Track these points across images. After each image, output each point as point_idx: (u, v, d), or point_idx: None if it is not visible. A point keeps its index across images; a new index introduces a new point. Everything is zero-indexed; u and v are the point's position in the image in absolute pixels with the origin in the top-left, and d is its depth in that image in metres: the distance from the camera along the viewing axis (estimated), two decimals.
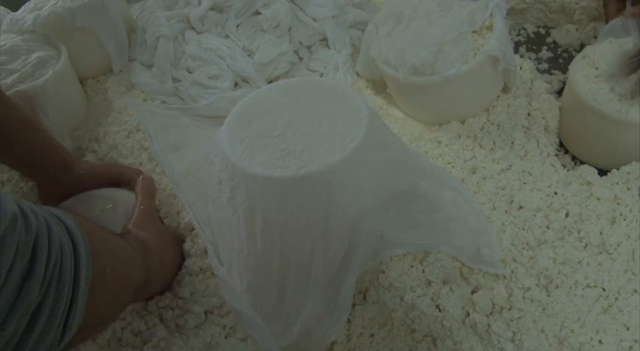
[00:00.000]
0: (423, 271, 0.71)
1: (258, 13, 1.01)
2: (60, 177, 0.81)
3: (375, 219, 0.70)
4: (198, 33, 1.03)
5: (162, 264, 0.73)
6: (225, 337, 0.69)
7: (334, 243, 0.67)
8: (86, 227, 0.55)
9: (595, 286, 0.68)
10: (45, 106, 0.88)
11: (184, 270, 0.76)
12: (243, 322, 0.70)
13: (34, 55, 0.90)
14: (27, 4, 1.01)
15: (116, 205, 0.79)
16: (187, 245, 0.78)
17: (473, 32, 0.85)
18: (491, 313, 0.67)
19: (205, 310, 0.72)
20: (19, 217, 0.45)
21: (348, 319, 0.70)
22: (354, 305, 0.71)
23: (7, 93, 0.84)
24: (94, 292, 0.52)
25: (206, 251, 0.76)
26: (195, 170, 0.83)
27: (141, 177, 0.83)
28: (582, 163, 0.85)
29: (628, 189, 0.77)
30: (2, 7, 1.02)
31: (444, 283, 0.70)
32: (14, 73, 0.87)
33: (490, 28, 0.85)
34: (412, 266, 0.72)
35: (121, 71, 1.09)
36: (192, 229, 0.79)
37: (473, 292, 0.69)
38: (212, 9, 1.03)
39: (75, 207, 0.79)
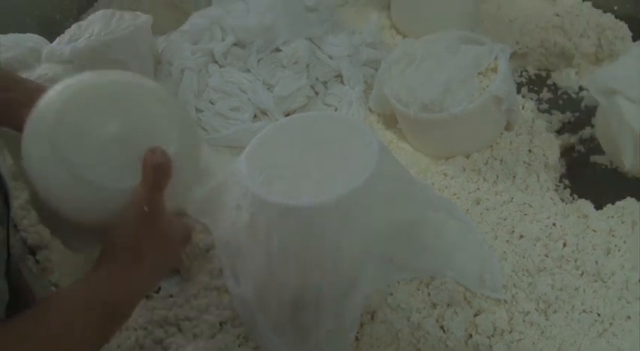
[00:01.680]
0: (429, 294, 0.76)
1: (278, 50, 1.08)
2: None
3: (385, 245, 0.75)
4: (221, 67, 1.09)
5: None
6: (239, 346, 0.75)
7: (346, 266, 0.72)
8: None
9: (591, 312, 0.72)
10: None
11: (200, 285, 0.81)
12: (256, 336, 0.75)
13: None
14: (62, 35, 1.07)
15: None
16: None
17: (479, 74, 0.91)
18: (492, 335, 0.72)
19: (220, 321, 0.77)
20: None
21: (357, 338, 0.74)
22: (362, 324, 0.75)
23: None
24: None
25: (221, 271, 0.81)
26: (215, 196, 0.87)
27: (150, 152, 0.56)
28: (580, 197, 0.90)
29: (622, 222, 0.82)
30: (41, 37, 1.09)
31: (449, 305, 0.75)
32: None
33: (495, 70, 0.91)
34: (418, 289, 0.77)
35: None
36: (209, 250, 0.85)
37: (475, 315, 0.74)
38: (235, 44, 1.09)
39: None
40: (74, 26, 1.07)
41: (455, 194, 0.89)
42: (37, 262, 0.90)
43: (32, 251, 0.91)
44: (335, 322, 0.72)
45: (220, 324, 0.77)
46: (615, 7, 1.16)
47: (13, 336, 0.48)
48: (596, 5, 1.19)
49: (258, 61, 1.08)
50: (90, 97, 0.57)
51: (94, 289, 0.54)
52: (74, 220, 0.57)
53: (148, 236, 0.56)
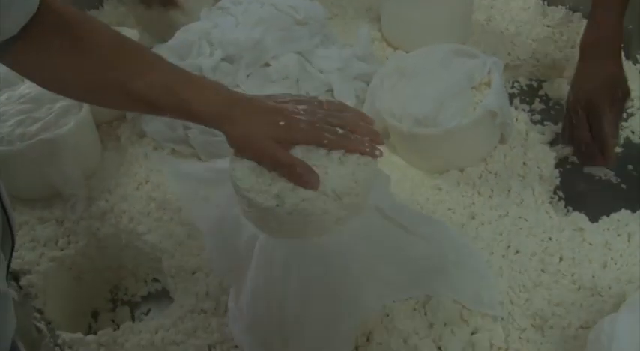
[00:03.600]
0: (426, 314, 0.75)
1: (267, 64, 1.06)
2: None
3: (380, 266, 0.74)
4: None
5: None
6: None
7: (346, 290, 0.71)
8: None
9: (587, 327, 0.72)
10: (66, 154, 0.91)
11: (186, 308, 0.81)
12: None
13: (58, 105, 0.94)
14: None
15: None
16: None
17: (472, 88, 0.91)
18: None
19: (208, 344, 0.77)
20: None
21: None
22: (358, 347, 0.74)
23: (30, 141, 0.89)
24: None
25: (207, 293, 0.82)
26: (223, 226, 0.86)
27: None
28: (574, 209, 0.89)
29: (618, 235, 0.82)
30: None
31: (445, 325, 0.74)
32: (38, 121, 0.91)
33: (488, 84, 0.91)
34: (415, 309, 0.76)
35: (133, 118, 1.13)
36: (194, 272, 0.86)
37: (472, 334, 0.73)
38: (223, 60, 1.08)
39: None
40: None
41: (449, 209, 0.88)
42: (20, 287, 0.88)
43: (15, 277, 0.89)
44: (329, 346, 0.71)
45: (209, 347, 0.77)
46: None
47: None
48: (585, 16, 1.19)
49: (247, 76, 1.06)
50: None
51: None
52: None
53: None
